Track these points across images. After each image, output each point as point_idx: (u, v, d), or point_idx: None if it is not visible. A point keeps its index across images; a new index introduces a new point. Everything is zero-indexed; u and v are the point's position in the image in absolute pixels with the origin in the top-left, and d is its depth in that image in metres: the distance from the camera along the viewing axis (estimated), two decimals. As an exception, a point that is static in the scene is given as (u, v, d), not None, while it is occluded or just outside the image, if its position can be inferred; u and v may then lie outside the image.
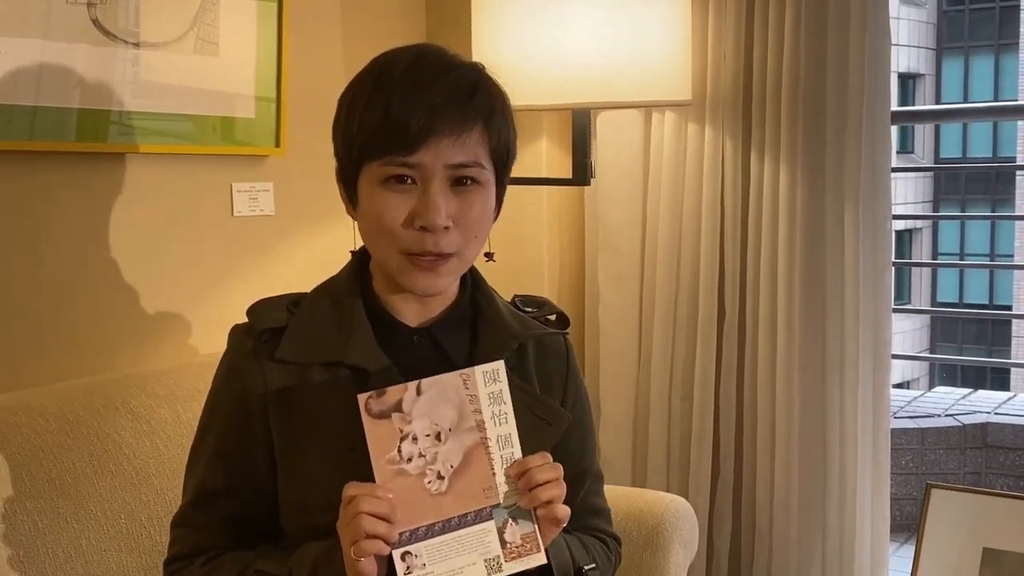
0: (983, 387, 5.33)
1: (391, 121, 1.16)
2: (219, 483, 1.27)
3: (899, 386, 10.23)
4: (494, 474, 1.17)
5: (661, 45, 1.96)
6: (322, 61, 2.23)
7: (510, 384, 1.19)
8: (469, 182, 1.20)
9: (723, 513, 2.39)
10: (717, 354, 2.35)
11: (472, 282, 1.33)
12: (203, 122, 1.99)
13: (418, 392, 1.15)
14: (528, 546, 1.17)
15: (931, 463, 3.55)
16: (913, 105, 15.52)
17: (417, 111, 1.16)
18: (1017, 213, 15.19)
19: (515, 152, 1.28)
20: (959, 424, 3.57)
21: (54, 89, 1.75)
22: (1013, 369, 14.31)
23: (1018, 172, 15.78)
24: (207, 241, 2.05)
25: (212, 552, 1.27)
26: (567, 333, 1.40)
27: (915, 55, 16.82)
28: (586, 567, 1.31)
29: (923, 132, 16.06)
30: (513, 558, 1.16)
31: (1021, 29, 15.66)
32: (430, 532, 1.14)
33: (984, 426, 3.54)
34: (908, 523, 3.34)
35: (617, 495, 1.48)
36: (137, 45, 1.86)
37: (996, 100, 15.87)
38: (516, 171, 1.32)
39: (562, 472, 1.18)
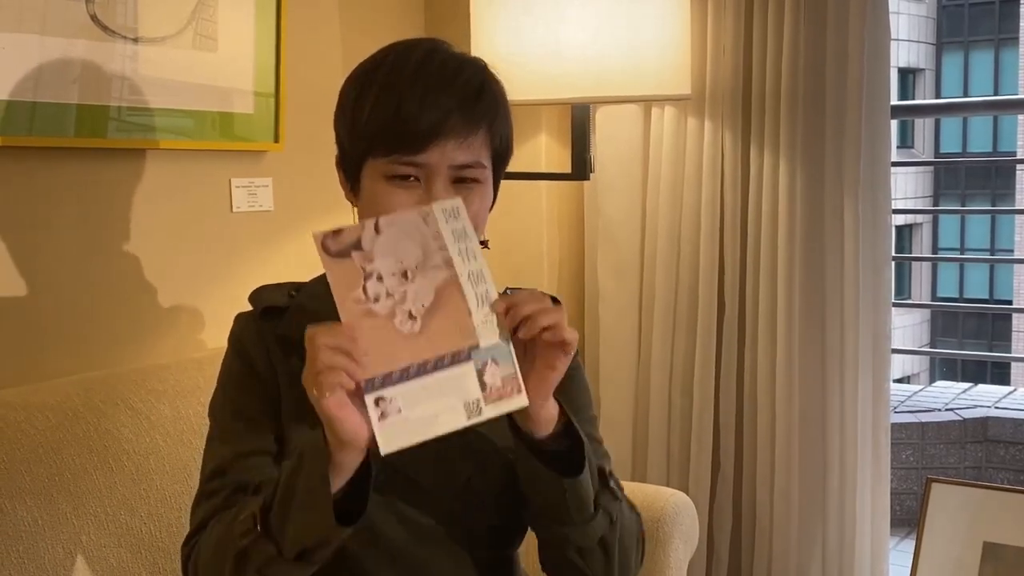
0: (983, 381, 5.33)
1: (401, 122, 1.18)
2: (237, 448, 1.25)
3: (900, 381, 10.23)
4: (470, 313, 1.09)
5: (660, 39, 1.96)
6: (321, 56, 2.23)
7: None
8: (470, 180, 1.22)
9: (723, 508, 2.39)
10: (717, 348, 2.35)
11: None
12: (202, 118, 1.99)
13: (377, 231, 1.09)
14: (509, 389, 1.09)
15: (931, 457, 3.55)
16: (913, 100, 15.52)
17: (427, 114, 1.18)
18: (1017, 207, 15.20)
19: (513, 148, 1.30)
20: (959, 418, 3.57)
21: (52, 85, 1.75)
22: (1013, 363, 14.35)
23: (1018, 166, 15.76)
24: (206, 237, 2.05)
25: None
26: None
27: (915, 50, 16.81)
28: (608, 468, 1.26)
29: (923, 126, 16.06)
30: (494, 400, 1.09)
31: (1021, 23, 15.65)
32: (404, 376, 1.07)
33: (984, 420, 3.55)
34: (908, 517, 3.34)
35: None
36: (135, 40, 1.86)
37: (996, 95, 15.85)
38: (515, 166, 1.33)
39: (550, 301, 1.13)
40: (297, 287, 1.32)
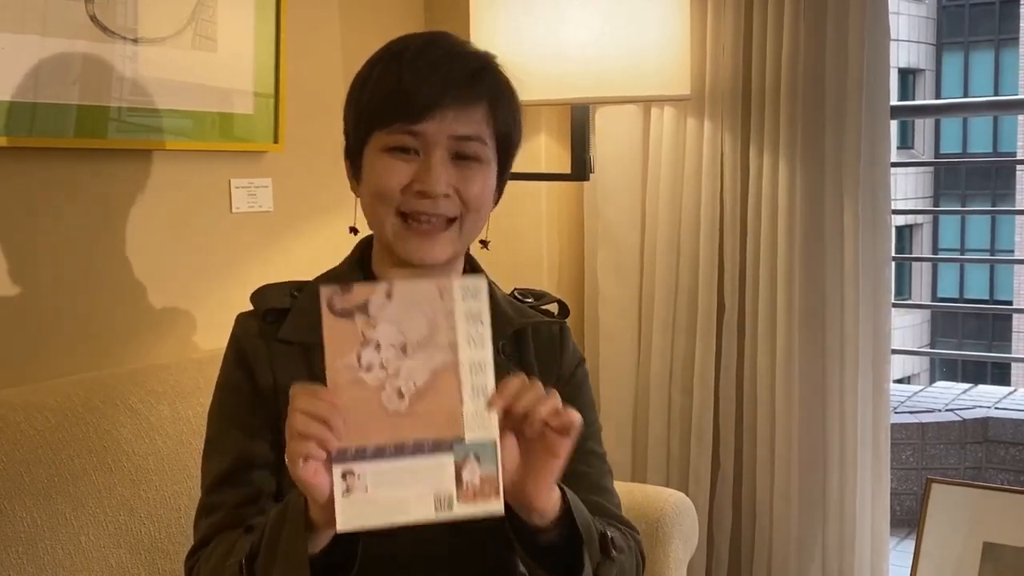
0: (983, 382, 5.32)
1: (400, 92, 1.20)
2: (235, 459, 1.25)
3: (900, 381, 10.22)
4: (461, 402, 1.04)
5: (660, 39, 1.96)
6: (320, 57, 2.23)
7: (506, 372, 1.17)
8: (471, 159, 1.23)
9: (723, 508, 2.39)
10: (717, 348, 2.35)
11: (471, 272, 1.34)
12: (201, 118, 1.99)
13: (388, 296, 1.04)
14: (486, 490, 1.03)
15: (931, 458, 3.54)
16: (913, 100, 15.51)
17: (426, 83, 1.19)
18: (1017, 208, 15.20)
19: (519, 142, 1.31)
20: (959, 419, 3.57)
21: (52, 85, 1.74)
22: (1013, 363, 14.35)
23: (1018, 167, 15.76)
24: (206, 237, 2.05)
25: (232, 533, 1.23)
26: (563, 321, 1.40)
27: (915, 50, 16.81)
28: (610, 532, 1.22)
29: (923, 127, 16.06)
30: (467, 500, 1.03)
31: (1021, 24, 15.65)
32: (379, 454, 1.02)
33: (984, 421, 3.54)
34: (908, 518, 3.34)
35: (617, 490, 1.48)
36: (135, 41, 1.86)
37: (996, 95, 15.85)
38: (515, 166, 1.33)
39: (541, 387, 1.08)
40: (299, 287, 1.31)
